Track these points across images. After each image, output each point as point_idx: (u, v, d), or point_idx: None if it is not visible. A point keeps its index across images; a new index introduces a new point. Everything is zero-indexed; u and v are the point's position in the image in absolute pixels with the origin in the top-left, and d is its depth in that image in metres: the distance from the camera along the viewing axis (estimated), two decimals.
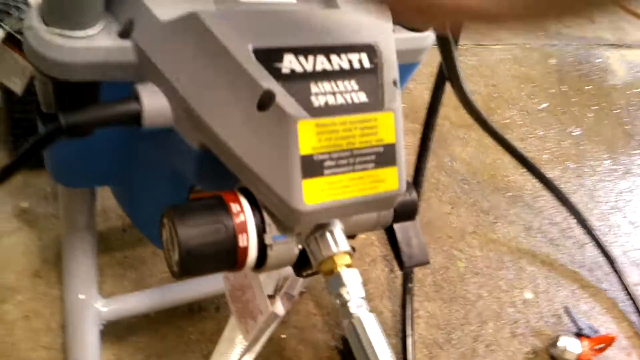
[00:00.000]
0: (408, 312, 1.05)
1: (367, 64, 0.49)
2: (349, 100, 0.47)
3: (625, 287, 1.28)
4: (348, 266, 0.51)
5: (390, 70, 0.51)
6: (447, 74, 1.04)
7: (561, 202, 1.31)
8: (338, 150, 0.46)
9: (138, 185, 0.68)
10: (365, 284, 1.13)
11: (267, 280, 0.61)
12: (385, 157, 0.49)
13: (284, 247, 0.49)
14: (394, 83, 0.51)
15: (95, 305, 0.72)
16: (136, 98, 0.46)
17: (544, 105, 1.69)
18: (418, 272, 1.17)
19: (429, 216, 1.28)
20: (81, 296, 0.72)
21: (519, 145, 1.50)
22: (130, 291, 0.82)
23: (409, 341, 1.01)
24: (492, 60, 1.75)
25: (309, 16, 0.51)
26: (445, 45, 0.90)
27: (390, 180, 0.50)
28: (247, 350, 0.68)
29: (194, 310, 0.96)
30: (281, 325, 1.00)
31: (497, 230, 1.32)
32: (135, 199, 0.71)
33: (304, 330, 1.01)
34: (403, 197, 0.56)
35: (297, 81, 0.45)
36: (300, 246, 0.51)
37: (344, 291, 0.49)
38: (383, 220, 0.55)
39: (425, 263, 0.59)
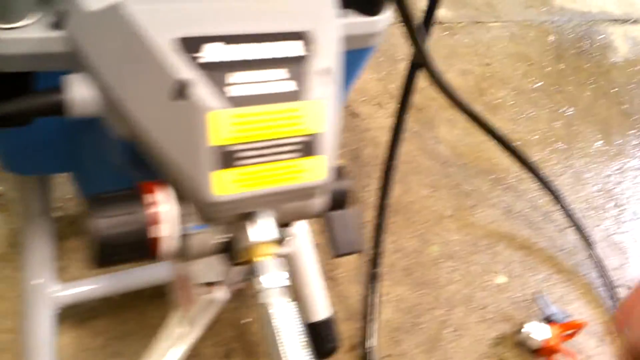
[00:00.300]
0: (373, 297, 1.06)
1: (298, 52, 0.49)
2: (274, 90, 0.47)
3: (602, 272, 1.27)
4: (274, 255, 0.52)
5: (324, 58, 0.50)
6: (417, 58, 1.03)
7: (542, 185, 1.30)
8: (256, 140, 0.47)
9: (86, 173, 0.70)
10: (335, 268, 1.14)
11: (208, 268, 0.62)
12: (311, 146, 0.49)
13: (204, 237, 0.51)
14: (328, 71, 0.50)
15: (49, 290, 0.76)
16: (62, 88, 0.46)
17: (539, 84, 1.65)
18: (390, 257, 1.18)
19: (407, 200, 1.29)
20: (35, 281, 0.75)
21: (509, 126, 1.49)
22: (95, 275, 0.85)
23: (373, 326, 1.03)
24: (488, 38, 1.71)
25: (242, 5, 0.50)
26: (410, 31, 0.89)
27: (316, 170, 0.50)
28: (186, 334, 0.71)
29: (157, 295, 0.99)
30: (247, 310, 1.03)
31: (476, 214, 1.31)
32: (85, 186, 0.73)
33: None
34: (337, 185, 0.56)
35: (215, 71, 0.45)
36: (226, 235, 0.52)
37: (258, 280, 0.50)
38: (315, 209, 0.56)
39: (358, 251, 0.60)
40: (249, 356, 0.98)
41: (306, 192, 0.51)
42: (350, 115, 1.39)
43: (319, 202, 0.55)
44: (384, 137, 1.37)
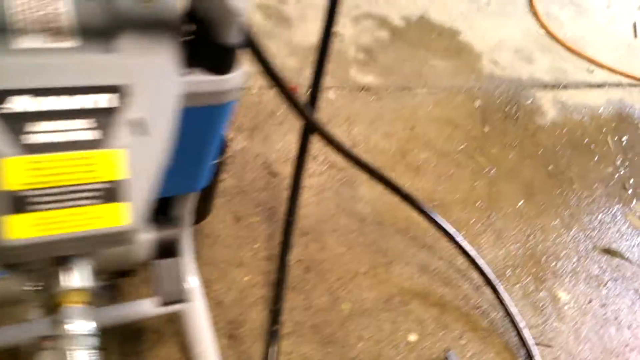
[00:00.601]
0: (272, 356, 1.05)
1: (108, 104, 0.53)
2: (74, 138, 0.50)
3: (518, 330, 1.27)
4: (84, 303, 0.53)
5: (138, 110, 0.54)
6: (307, 125, 1.08)
7: (453, 243, 1.33)
8: (52, 186, 0.49)
9: None
10: (239, 326, 1.14)
11: None
12: (110, 193, 0.52)
13: (6, 284, 0.52)
14: (140, 122, 0.54)
15: None
16: None
17: (462, 146, 1.71)
18: (299, 314, 1.18)
19: (321, 257, 1.30)
20: None
21: (430, 186, 1.53)
22: None
23: None
24: (414, 103, 1.79)
25: (59, 60, 0.53)
26: (290, 101, 0.93)
27: (114, 216, 0.52)
28: None
29: None
30: None
31: (391, 271, 1.33)
32: None
33: None
34: (164, 234, 0.58)
35: (14, 120, 0.48)
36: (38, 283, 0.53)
37: (63, 327, 0.51)
38: (135, 257, 0.57)
39: (181, 301, 0.61)
40: None
41: (111, 239, 0.53)
42: (269, 175, 1.42)
43: (139, 249, 0.57)
44: (303, 196, 1.40)
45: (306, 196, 1.42)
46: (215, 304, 1.15)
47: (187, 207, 0.91)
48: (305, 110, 0.99)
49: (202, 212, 1.14)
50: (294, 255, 1.28)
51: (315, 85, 1.03)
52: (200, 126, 0.70)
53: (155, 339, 1.06)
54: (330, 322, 1.19)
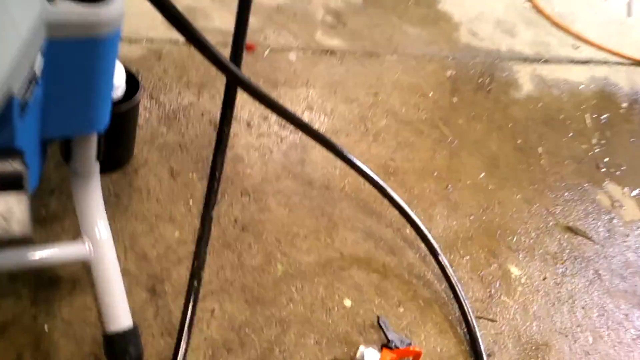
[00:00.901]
0: (191, 312, 1.01)
1: None
2: None
3: (460, 302, 1.23)
4: None
5: None
6: (229, 79, 1.03)
7: (395, 207, 1.28)
8: None
9: None
10: (161, 282, 1.09)
11: None
12: None
13: None
14: None
15: None
16: None
17: (426, 116, 1.66)
18: (228, 273, 1.14)
19: (260, 218, 1.25)
20: None
21: (386, 153, 1.48)
22: None
23: (182, 343, 0.97)
24: (381, 69, 1.73)
25: None
26: (209, 56, 0.88)
27: None
28: None
29: None
30: (47, 316, 0.98)
31: (334, 236, 1.28)
32: None
33: (73, 323, 0.98)
34: (5, 166, 0.54)
35: None
36: None
37: None
38: None
39: (25, 237, 0.57)
40: None
41: None
42: (215, 132, 1.37)
43: None
44: (249, 155, 1.35)
45: (253, 156, 1.37)
46: (140, 257, 1.11)
47: (88, 151, 0.86)
48: (227, 64, 0.94)
49: (116, 158, 1.09)
50: (231, 214, 1.24)
51: (237, 38, 0.98)
52: (80, 61, 0.65)
53: (70, 288, 1.02)
54: (262, 282, 1.15)
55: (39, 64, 0.59)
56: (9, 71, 0.49)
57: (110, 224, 1.12)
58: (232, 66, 0.87)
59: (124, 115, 0.85)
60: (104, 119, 0.76)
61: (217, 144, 1.08)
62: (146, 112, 1.39)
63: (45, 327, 0.96)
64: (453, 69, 1.84)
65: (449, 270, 1.26)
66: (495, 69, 1.92)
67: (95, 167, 0.91)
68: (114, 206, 1.17)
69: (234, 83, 1.03)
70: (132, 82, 1.10)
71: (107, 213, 1.14)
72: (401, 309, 1.20)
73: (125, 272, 1.07)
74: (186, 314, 1.00)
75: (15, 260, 0.90)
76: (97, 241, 0.94)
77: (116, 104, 0.83)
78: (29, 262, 0.89)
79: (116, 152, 0.94)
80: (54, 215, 1.11)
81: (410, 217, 1.28)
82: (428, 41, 1.90)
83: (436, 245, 1.28)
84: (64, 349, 0.95)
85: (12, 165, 0.52)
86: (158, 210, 1.19)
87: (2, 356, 0.91)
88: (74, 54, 0.62)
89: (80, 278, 1.04)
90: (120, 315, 0.94)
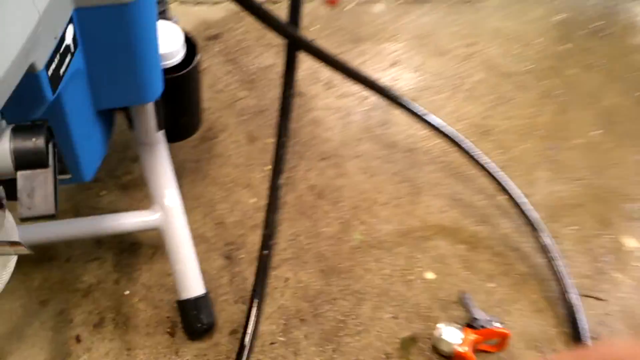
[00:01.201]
0: (262, 280, 1.00)
1: None
2: None
3: (560, 278, 1.09)
4: None
5: None
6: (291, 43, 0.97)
7: (487, 173, 1.15)
8: None
9: None
10: (238, 248, 1.09)
11: None
12: None
13: None
14: None
15: None
16: None
17: (530, 66, 1.47)
18: (302, 240, 1.11)
19: (337, 183, 1.20)
20: None
21: (481, 111, 1.35)
22: None
23: (253, 311, 0.96)
24: (477, 16, 1.56)
25: None
26: (270, 23, 0.82)
27: None
28: None
29: (43, 258, 1.01)
30: (129, 282, 1.01)
31: (417, 203, 1.19)
32: None
33: (152, 288, 1.01)
34: (22, 144, 0.53)
35: None
36: None
37: None
38: None
39: (50, 216, 0.55)
40: (119, 327, 0.95)
41: None
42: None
43: None
44: (328, 118, 1.29)
45: (332, 118, 1.31)
46: (217, 224, 1.11)
47: (147, 120, 0.85)
48: (287, 27, 0.88)
49: (183, 127, 1.08)
50: (308, 179, 1.19)
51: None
52: (115, 29, 0.62)
53: (151, 254, 1.05)
54: (337, 251, 1.10)
55: (70, 35, 0.57)
56: (25, 45, 0.47)
57: (189, 190, 1.13)
58: (288, 26, 0.81)
59: (183, 82, 0.83)
60: (155, 87, 0.74)
61: (282, 109, 1.03)
62: (227, 76, 1.37)
63: (127, 291, 1.00)
64: (563, 12, 1.62)
65: (547, 241, 1.12)
66: (615, 11, 1.66)
67: (159, 136, 0.90)
68: (194, 172, 1.18)
69: (293, 45, 0.97)
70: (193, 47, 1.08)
71: (186, 179, 1.16)
72: (491, 284, 1.10)
73: (202, 238, 1.08)
74: (257, 283, 0.99)
75: (88, 228, 0.93)
76: (166, 209, 0.94)
77: (173, 70, 0.80)
78: (101, 229, 0.92)
79: (180, 120, 0.92)
80: (136, 182, 1.14)
81: (501, 183, 1.16)
82: None
83: (533, 214, 1.14)
84: (143, 313, 0.98)
85: (34, 143, 0.51)
86: (235, 176, 1.18)
87: (85, 318, 0.95)
88: (107, 22, 0.59)
89: (160, 244, 1.06)
90: (191, 283, 0.95)
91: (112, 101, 0.71)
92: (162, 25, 0.96)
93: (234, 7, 1.51)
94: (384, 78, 1.40)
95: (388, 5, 1.54)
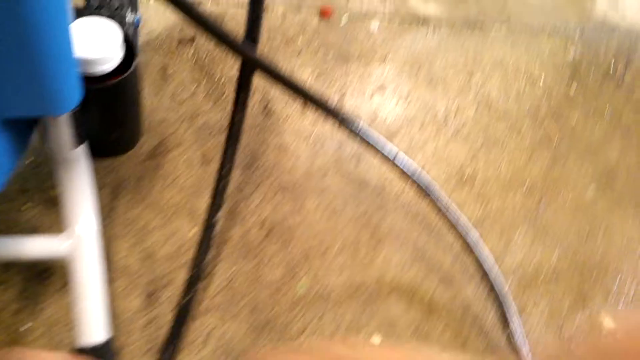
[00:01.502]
0: (178, 330, 0.89)
1: None
2: None
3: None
4: None
5: None
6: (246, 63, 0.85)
7: (453, 229, 1.03)
8: None
9: None
10: (165, 286, 0.97)
11: None
12: None
13: None
14: None
15: None
16: None
17: (530, 106, 1.33)
18: (239, 285, 0.99)
19: (292, 221, 1.08)
20: None
21: (464, 153, 1.22)
22: None
23: None
24: (482, 44, 1.42)
25: None
26: (226, 44, 0.70)
27: None
28: None
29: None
30: (31, 314, 0.91)
31: (376, 254, 1.07)
32: None
33: (56, 326, 0.91)
34: None
35: None
36: None
37: None
38: None
39: None
40: None
41: None
42: (264, 113, 1.20)
43: None
44: (296, 144, 1.18)
45: (301, 145, 1.18)
46: (145, 256, 1.00)
47: (61, 133, 0.73)
48: (241, 44, 0.76)
49: (116, 142, 0.97)
50: (260, 213, 1.08)
51: (253, 14, 0.78)
52: (6, 24, 0.50)
53: (62, 284, 0.95)
54: (276, 302, 0.99)
55: None
56: None
57: (123, 213, 1.02)
58: (243, 43, 0.69)
59: (115, 91, 0.72)
60: (70, 97, 0.62)
61: (229, 136, 0.91)
62: (194, 85, 1.25)
63: (26, 325, 0.90)
64: (577, 49, 1.47)
65: (513, 317, 1.00)
66: (634, 53, 1.50)
67: (78, 152, 0.78)
68: (133, 191, 1.07)
69: (248, 65, 0.84)
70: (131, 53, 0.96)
71: (123, 199, 1.05)
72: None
73: (125, 271, 0.97)
74: (173, 333, 0.88)
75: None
76: (77, 237, 0.83)
77: (108, 77, 0.69)
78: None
79: (111, 135, 0.81)
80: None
81: (469, 244, 1.03)
82: (552, 9, 1.52)
83: (499, 284, 1.02)
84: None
85: None
86: (179, 201, 1.07)
87: None
88: None
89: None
90: (93, 327, 0.84)
91: (13, 110, 0.60)
92: (96, 25, 0.84)
93: (215, 10, 1.38)
94: (364, 104, 1.27)
95: (385, 23, 1.40)
